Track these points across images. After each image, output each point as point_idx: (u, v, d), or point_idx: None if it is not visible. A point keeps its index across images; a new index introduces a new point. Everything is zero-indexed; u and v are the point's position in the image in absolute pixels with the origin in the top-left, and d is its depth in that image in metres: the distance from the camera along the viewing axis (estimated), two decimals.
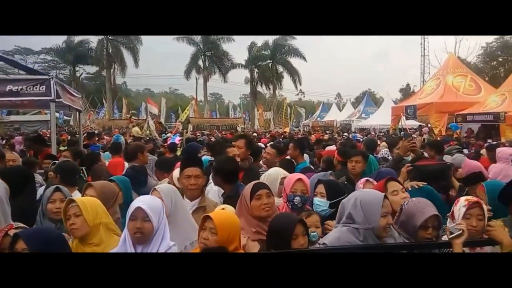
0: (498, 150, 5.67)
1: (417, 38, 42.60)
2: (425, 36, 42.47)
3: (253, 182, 2.97)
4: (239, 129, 31.24)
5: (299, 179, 3.19)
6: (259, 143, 9.04)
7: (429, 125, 17.24)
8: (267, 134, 20.57)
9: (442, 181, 3.84)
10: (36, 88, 6.18)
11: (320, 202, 3.09)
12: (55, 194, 3.16)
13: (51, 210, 3.10)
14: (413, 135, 11.52)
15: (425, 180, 3.44)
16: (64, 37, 42.95)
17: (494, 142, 10.43)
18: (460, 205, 2.61)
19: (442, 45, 72.26)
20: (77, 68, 47.28)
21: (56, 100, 6.33)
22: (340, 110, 38.38)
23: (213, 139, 14.17)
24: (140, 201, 2.43)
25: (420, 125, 18.15)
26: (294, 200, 3.10)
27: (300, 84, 47.12)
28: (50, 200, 3.13)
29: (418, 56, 44.44)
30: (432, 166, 3.91)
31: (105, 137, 15.34)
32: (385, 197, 2.46)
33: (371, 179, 3.55)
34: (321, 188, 3.14)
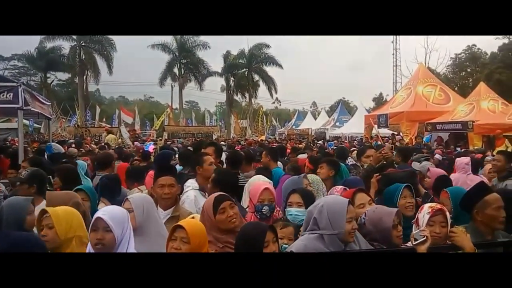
0: (457, 159, 5.80)
1: (389, 49, 43.71)
2: (397, 47, 43.67)
3: (213, 195, 2.89)
4: (214, 137, 31.13)
5: (266, 188, 3.21)
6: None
7: (400, 133, 17.65)
8: (242, 142, 20.56)
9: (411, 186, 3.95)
10: (3, 95, 6.03)
11: (298, 212, 3.06)
12: (31, 206, 3.02)
13: (30, 222, 2.93)
14: (385, 144, 11.77)
15: None
16: (36, 43, 41.89)
17: (462, 150, 10.79)
18: (424, 212, 2.69)
19: (413, 56, 74.22)
20: (48, 75, 46.17)
21: (24, 107, 6.20)
22: (315, 119, 38.79)
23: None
24: (101, 211, 2.38)
25: (393, 133, 18.57)
26: (263, 210, 3.11)
27: (276, 92, 47.55)
28: (29, 212, 2.99)
29: (390, 66, 45.47)
30: (399, 174, 4.01)
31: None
32: (349, 202, 2.51)
33: (347, 188, 3.59)
34: (296, 198, 3.14)
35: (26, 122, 24.85)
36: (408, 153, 6.04)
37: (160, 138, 26.88)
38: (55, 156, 6.79)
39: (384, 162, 4.76)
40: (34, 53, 43.15)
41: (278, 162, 5.93)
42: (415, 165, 5.46)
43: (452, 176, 4.88)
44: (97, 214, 2.34)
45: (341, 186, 3.66)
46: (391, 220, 2.57)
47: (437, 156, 8.29)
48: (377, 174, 3.93)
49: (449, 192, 3.34)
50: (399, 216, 2.67)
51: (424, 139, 15.29)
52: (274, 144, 17.89)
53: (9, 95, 6.03)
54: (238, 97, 48.88)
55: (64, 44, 41.52)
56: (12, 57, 49.58)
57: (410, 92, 18.64)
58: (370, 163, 4.88)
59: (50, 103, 9.77)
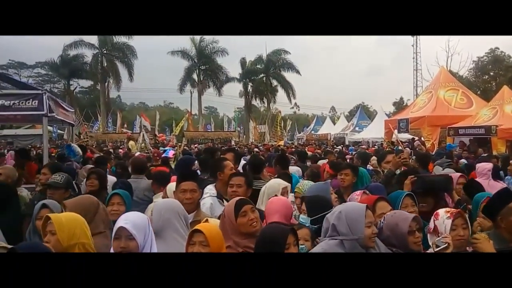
0: (478, 165, 5.67)
1: (410, 53, 43.08)
2: (418, 51, 43.05)
3: (234, 200, 2.94)
4: (233, 142, 31.27)
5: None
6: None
7: (422, 138, 17.34)
8: (260, 147, 20.59)
9: (445, 192, 3.90)
10: (28, 102, 6.17)
11: (303, 219, 3.13)
12: (42, 211, 3.12)
13: (39, 227, 3.01)
14: (405, 149, 11.58)
15: (429, 191, 3.53)
16: (60, 51, 42.99)
17: (485, 155, 10.53)
18: (443, 218, 2.64)
19: (434, 59, 73.06)
20: (71, 82, 47.21)
21: (49, 114, 6.32)
22: (334, 124, 38.57)
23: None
24: (123, 220, 2.41)
25: (412, 138, 18.26)
26: None
27: (294, 97, 47.50)
28: (37, 217, 3.10)
29: (410, 70, 44.85)
30: (435, 178, 3.96)
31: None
32: (367, 207, 2.49)
33: (367, 191, 3.56)
34: (304, 205, 3.20)
35: (50, 128, 25.48)
36: (426, 159, 5.95)
37: (180, 143, 27.21)
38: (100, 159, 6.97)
39: (405, 168, 4.70)
40: (58, 61, 44.26)
41: (297, 167, 5.92)
42: (437, 171, 5.37)
43: None
44: (119, 223, 2.38)
45: (360, 191, 3.62)
46: (407, 226, 2.53)
47: (462, 161, 8.10)
48: (412, 176, 3.85)
49: (473, 198, 3.27)
50: (418, 222, 2.61)
51: (447, 146, 14.96)
52: (293, 149, 17.88)
53: (34, 102, 6.17)
54: (256, 103, 49.06)
55: (87, 52, 42.56)
56: (36, 64, 51.24)
57: (431, 96, 18.32)
58: (390, 169, 4.83)
59: (73, 110, 9.99)
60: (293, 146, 24.00)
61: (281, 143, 28.10)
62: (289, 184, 3.99)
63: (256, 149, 17.61)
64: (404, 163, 4.75)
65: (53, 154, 11.22)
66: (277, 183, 3.91)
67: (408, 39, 42.66)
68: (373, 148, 18.07)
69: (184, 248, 2.43)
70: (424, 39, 42.85)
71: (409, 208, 3.16)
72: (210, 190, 4.02)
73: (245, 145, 23.12)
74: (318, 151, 14.50)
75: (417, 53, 43.86)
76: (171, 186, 3.93)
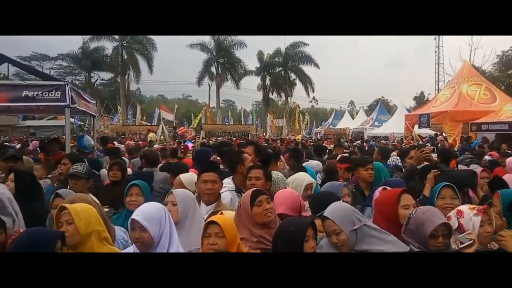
0: (508, 160, 5.56)
1: (432, 46, 42.31)
2: (440, 45, 42.16)
3: (250, 190, 2.98)
4: (250, 136, 31.30)
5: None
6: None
7: (443, 133, 17.03)
8: (278, 141, 20.53)
9: (469, 188, 3.81)
10: (51, 94, 6.27)
11: None
12: (56, 200, 3.16)
13: (53, 216, 3.10)
14: (426, 144, 11.40)
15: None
16: (80, 43, 43.68)
17: (510, 151, 10.25)
18: (470, 215, 2.57)
19: (456, 54, 71.34)
20: (92, 74, 47.95)
21: (71, 106, 6.42)
22: (353, 118, 38.18)
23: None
24: (136, 212, 2.45)
25: (435, 134, 17.94)
26: None
27: (313, 91, 47.15)
28: (52, 207, 3.14)
29: (432, 64, 43.97)
30: (459, 172, 3.87)
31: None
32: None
33: (388, 187, 3.50)
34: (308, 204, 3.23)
35: (71, 119, 25.95)
36: (449, 155, 5.82)
37: (198, 136, 27.35)
38: (113, 150, 7.06)
39: (426, 163, 4.61)
40: (79, 53, 44.97)
41: (317, 162, 5.86)
42: (461, 168, 5.26)
43: (505, 177, 4.63)
44: (132, 216, 2.42)
45: (381, 186, 3.56)
46: (432, 229, 2.43)
47: (486, 157, 7.89)
48: (435, 170, 3.76)
49: (501, 194, 3.16)
50: (447, 228, 2.48)
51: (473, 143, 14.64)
52: (311, 143, 17.77)
53: (57, 94, 6.28)
54: (274, 96, 48.93)
55: (107, 45, 43.18)
56: (58, 57, 52.04)
57: (454, 91, 17.93)
58: (412, 164, 4.74)
59: (94, 102, 10.12)
60: (311, 140, 23.89)
61: (299, 137, 27.99)
62: (314, 182, 3.95)
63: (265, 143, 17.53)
64: (426, 158, 4.66)
65: (72, 145, 11.42)
66: (303, 178, 3.89)
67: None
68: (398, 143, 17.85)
69: None
70: None
71: (447, 200, 3.09)
72: (228, 184, 4.01)
73: (265, 139, 23.05)
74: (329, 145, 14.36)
75: (439, 47, 43.03)
76: (185, 177, 3.94)
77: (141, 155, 6.02)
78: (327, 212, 2.49)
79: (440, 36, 41.78)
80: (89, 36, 41.21)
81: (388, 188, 3.41)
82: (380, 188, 3.49)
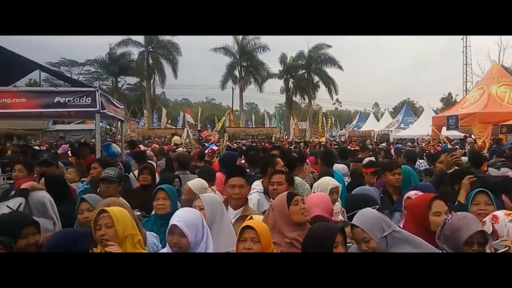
0: None
1: (459, 46, 41.28)
2: (467, 45, 41.12)
3: (285, 192, 3.04)
4: (274, 138, 31.28)
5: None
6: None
7: (472, 136, 16.61)
8: (301, 143, 20.44)
9: (505, 193, 3.71)
10: (82, 99, 6.45)
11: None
12: (82, 205, 3.23)
13: (81, 220, 3.18)
14: (456, 147, 11.13)
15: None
16: (107, 49, 44.73)
17: None
18: (505, 221, 2.51)
19: (485, 54, 69.37)
20: (119, 79, 49.02)
21: (101, 111, 6.60)
22: (378, 120, 37.64)
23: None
24: (177, 218, 2.50)
25: (465, 136, 17.50)
26: None
27: (336, 93, 46.69)
28: (78, 211, 3.22)
29: (460, 64, 42.90)
30: (496, 179, 3.78)
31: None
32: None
33: (418, 193, 3.43)
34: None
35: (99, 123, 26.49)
36: (480, 158, 5.66)
37: (222, 139, 27.55)
38: (142, 155, 7.20)
39: (457, 168, 4.51)
40: (106, 59, 46.04)
41: (342, 165, 5.82)
42: (492, 171, 5.10)
43: None
44: (173, 221, 2.48)
45: (413, 191, 3.50)
46: (468, 236, 2.37)
47: None
48: (471, 176, 3.68)
49: None
50: (484, 236, 2.41)
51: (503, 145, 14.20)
52: (335, 146, 17.62)
53: (88, 99, 6.46)
54: (297, 99, 48.73)
55: (133, 50, 44.02)
56: (86, 62, 53.52)
57: (483, 92, 17.45)
58: (442, 168, 4.64)
59: (123, 106, 10.34)
60: (335, 142, 23.70)
61: (323, 139, 27.81)
62: (340, 185, 3.94)
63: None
64: (456, 163, 4.55)
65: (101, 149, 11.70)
66: (327, 182, 3.88)
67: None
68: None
69: (235, 241, 2.48)
70: None
71: (481, 206, 3.03)
72: (257, 186, 4.07)
73: (288, 142, 23.00)
74: (355, 147, 14.20)
75: (467, 47, 41.96)
76: (192, 183, 3.96)
77: (174, 158, 6.11)
78: (355, 220, 2.48)
79: (468, 36, 40.76)
80: (116, 42, 42.27)
81: (419, 193, 3.36)
82: (410, 193, 3.43)
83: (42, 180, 3.83)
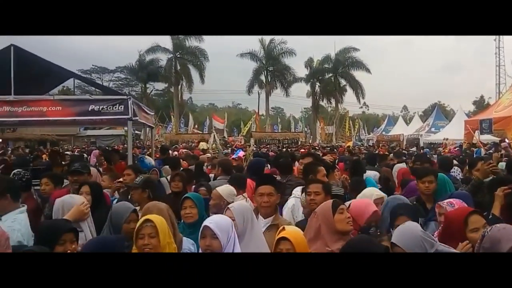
0: None
1: (491, 48, 40.03)
2: (500, 46, 39.83)
3: (330, 200, 3.02)
4: (300, 143, 31.15)
5: (375, 211, 3.18)
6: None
7: (506, 140, 16.02)
8: (328, 148, 20.26)
9: None
10: (115, 107, 6.65)
11: None
12: (131, 215, 3.27)
13: (127, 229, 3.15)
14: (489, 151, 10.76)
15: None
16: (137, 56, 45.76)
17: None
18: None
19: None
20: (147, 85, 49.99)
21: (133, 118, 6.78)
22: (407, 124, 36.81)
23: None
24: (209, 220, 2.59)
25: (500, 140, 16.90)
26: (370, 231, 3.07)
27: (364, 97, 46.08)
28: (127, 221, 3.22)
29: (492, 66, 41.64)
30: None
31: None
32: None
33: (452, 202, 3.32)
34: (402, 220, 3.02)
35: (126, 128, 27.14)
36: None
37: (248, 144, 27.65)
38: (174, 161, 7.31)
39: (494, 176, 4.34)
40: (136, 65, 47.10)
41: (374, 172, 5.73)
42: None
43: None
44: (205, 223, 2.54)
45: (447, 200, 3.39)
46: (509, 247, 2.28)
47: None
48: (505, 188, 3.53)
49: None
50: None
51: None
52: (364, 151, 17.38)
53: (121, 107, 6.67)
54: (324, 103, 48.38)
55: (162, 56, 44.80)
56: (116, 69, 55.01)
57: None
58: (478, 177, 4.48)
59: (153, 113, 10.56)
60: (364, 147, 23.36)
61: (350, 144, 27.46)
62: (384, 195, 3.88)
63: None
64: (493, 172, 4.39)
65: (135, 155, 11.97)
66: (371, 193, 3.84)
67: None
68: (457, 150, 17.03)
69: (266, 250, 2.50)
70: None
71: None
72: (296, 191, 4.07)
73: (311, 147, 22.83)
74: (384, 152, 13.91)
75: (500, 48, 40.67)
76: (221, 188, 3.98)
77: (218, 163, 6.16)
78: (396, 239, 2.42)
79: (501, 37, 39.49)
80: (146, 49, 43.17)
81: (454, 203, 3.26)
82: (445, 202, 3.33)
83: (84, 188, 3.92)
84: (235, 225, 2.90)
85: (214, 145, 18.61)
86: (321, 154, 12.04)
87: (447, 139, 21.55)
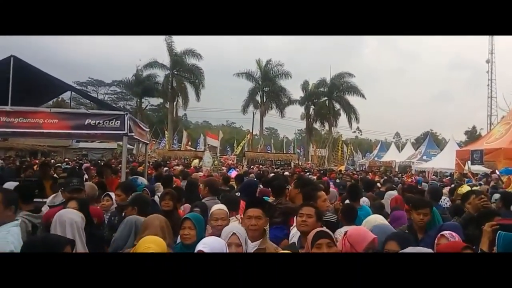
0: None
1: (484, 79, 40.89)
2: (493, 78, 40.69)
3: (316, 230, 2.96)
4: (292, 164, 31.19)
5: (374, 239, 3.15)
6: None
7: (497, 171, 16.19)
8: (321, 171, 20.31)
9: None
10: (111, 122, 6.67)
11: None
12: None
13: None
14: (480, 183, 10.86)
15: None
16: (134, 71, 45.91)
17: None
18: None
19: (511, 87, 68.26)
20: (142, 100, 50.04)
21: (129, 134, 6.78)
22: (399, 151, 37.09)
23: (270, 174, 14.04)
24: (202, 244, 2.63)
25: (491, 172, 17.08)
26: None
27: (357, 122, 46.49)
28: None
29: (484, 97, 42.37)
30: None
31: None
32: None
33: (453, 234, 3.34)
34: (393, 245, 3.06)
35: (120, 143, 27.07)
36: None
37: (241, 163, 27.64)
38: (166, 178, 7.29)
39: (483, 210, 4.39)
40: (132, 80, 47.22)
41: (366, 199, 5.77)
42: None
43: None
44: (199, 247, 2.60)
45: (447, 232, 3.40)
46: None
47: None
48: (494, 223, 3.54)
49: None
50: None
51: (501, 171, 13.80)
52: (356, 175, 17.44)
53: (117, 122, 6.68)
54: (317, 125, 48.72)
55: (159, 72, 45.03)
56: (112, 83, 55.15)
57: (510, 127, 17.08)
58: (469, 211, 4.52)
59: (148, 130, 10.56)
60: (355, 172, 23.45)
61: (342, 168, 27.56)
62: (385, 222, 3.95)
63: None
64: (484, 206, 4.43)
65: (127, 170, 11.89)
66: (374, 219, 3.87)
67: (482, 64, 40.61)
68: (448, 179, 17.15)
69: None
70: (499, 65, 40.58)
71: None
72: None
73: (303, 169, 22.87)
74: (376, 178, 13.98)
75: (492, 80, 41.50)
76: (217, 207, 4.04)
77: (204, 183, 6.11)
78: None
79: (493, 69, 40.36)
80: (143, 64, 43.39)
81: (446, 234, 3.29)
82: (447, 233, 3.32)
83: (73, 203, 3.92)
84: (243, 250, 2.98)
85: (216, 162, 18.61)
86: (315, 177, 12.10)
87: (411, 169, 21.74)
